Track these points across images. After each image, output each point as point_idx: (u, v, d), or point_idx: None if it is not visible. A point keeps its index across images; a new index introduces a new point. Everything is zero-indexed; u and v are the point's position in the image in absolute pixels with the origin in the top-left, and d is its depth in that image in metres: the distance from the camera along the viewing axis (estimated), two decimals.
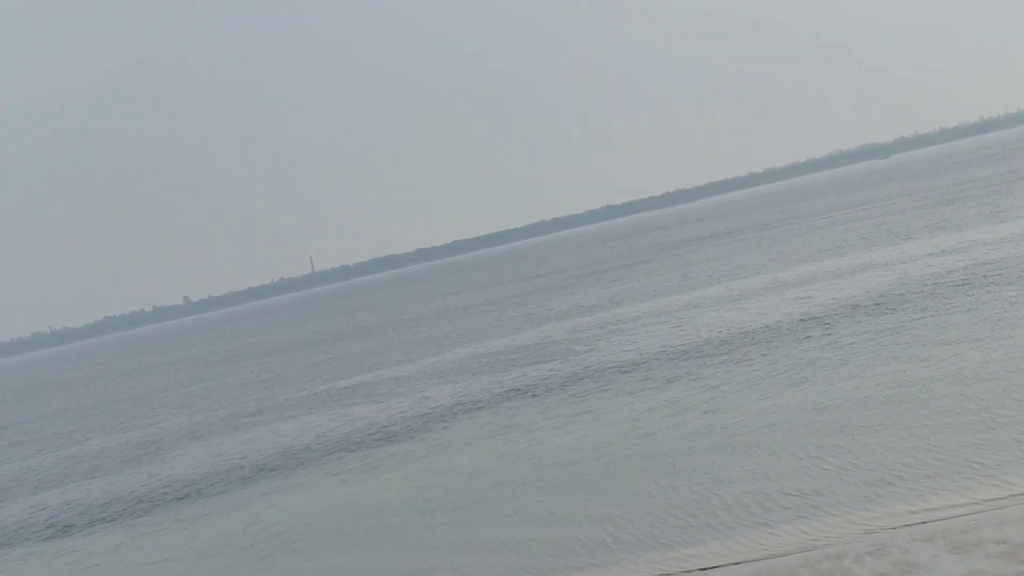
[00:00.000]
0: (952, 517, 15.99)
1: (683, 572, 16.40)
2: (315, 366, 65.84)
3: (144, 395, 72.84)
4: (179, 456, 38.62)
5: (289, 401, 48.45)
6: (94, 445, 47.77)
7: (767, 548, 16.62)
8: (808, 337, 34.17)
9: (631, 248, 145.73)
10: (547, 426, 29.60)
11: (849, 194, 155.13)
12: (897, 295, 38.74)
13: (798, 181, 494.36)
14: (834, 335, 33.45)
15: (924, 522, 16.09)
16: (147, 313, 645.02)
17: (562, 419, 30.05)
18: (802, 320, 38.05)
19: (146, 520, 28.72)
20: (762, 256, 72.90)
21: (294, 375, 62.39)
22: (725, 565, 16.27)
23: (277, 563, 21.94)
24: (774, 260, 66.98)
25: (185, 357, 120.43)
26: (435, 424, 33.70)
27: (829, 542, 16.19)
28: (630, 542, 18.46)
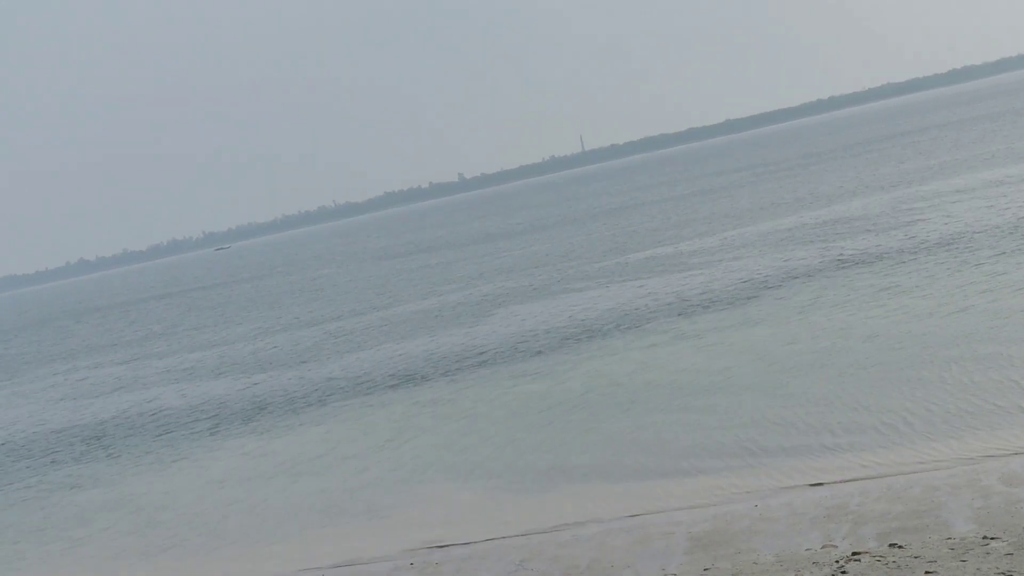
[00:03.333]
0: None
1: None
2: (612, 237, 65.94)
3: (445, 264, 75.15)
4: (487, 322, 39.29)
5: (601, 270, 48.45)
6: (400, 310, 49.57)
7: None
8: None
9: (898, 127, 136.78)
10: (854, 301, 28.27)
11: None
12: None
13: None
14: None
15: None
16: (423, 189, 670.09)
17: (869, 294, 28.64)
18: None
19: (451, 380, 29.44)
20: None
21: (592, 246, 62.33)
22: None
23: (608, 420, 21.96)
24: None
25: (470, 233, 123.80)
26: (750, 294, 32.82)
27: None
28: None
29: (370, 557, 16.32)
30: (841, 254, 36.93)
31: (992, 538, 11.61)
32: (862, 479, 15.18)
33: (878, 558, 11.59)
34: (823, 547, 12.51)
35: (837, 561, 11.76)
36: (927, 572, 10.78)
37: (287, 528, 19.48)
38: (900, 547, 11.93)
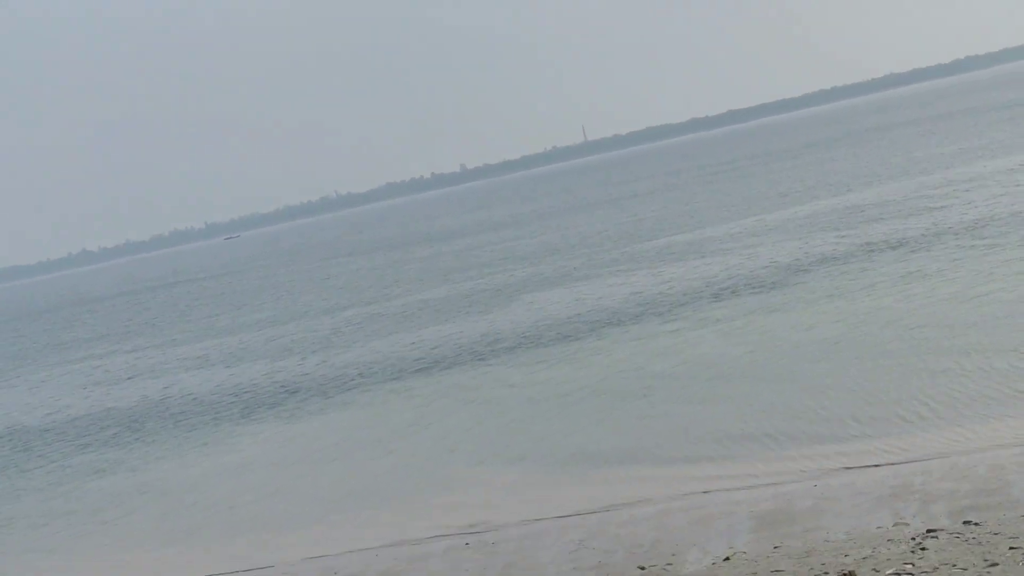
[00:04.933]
0: None
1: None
2: (636, 223, 65.74)
3: (464, 251, 74.94)
4: (509, 309, 39.04)
5: (623, 256, 48.22)
6: (420, 297, 49.34)
7: None
8: None
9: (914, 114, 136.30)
10: (881, 284, 28.19)
11: None
12: None
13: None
14: None
15: None
16: (426, 180, 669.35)
17: (891, 280, 28.47)
18: None
19: (476, 366, 29.27)
20: None
21: (613, 234, 62.10)
22: None
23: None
24: None
25: (479, 220, 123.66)
26: (779, 279, 32.60)
27: None
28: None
29: (419, 537, 16.16)
30: (864, 239, 36.72)
31: None
32: (922, 459, 15.00)
33: (955, 535, 11.41)
34: (895, 525, 12.34)
35: (913, 538, 11.58)
36: (1011, 548, 10.61)
37: (325, 511, 19.29)
38: (976, 524, 11.74)
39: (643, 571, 12.30)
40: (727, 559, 12.15)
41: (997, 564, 10.18)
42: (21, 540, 21.87)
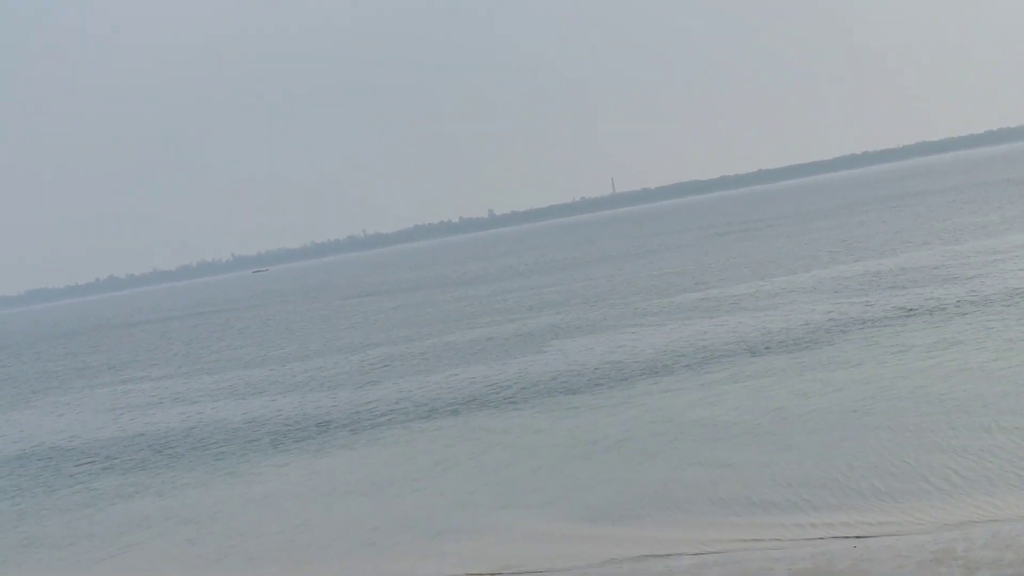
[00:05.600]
0: None
1: None
2: (660, 276, 65.75)
3: (488, 296, 75.08)
4: (544, 354, 38.97)
5: (652, 308, 48.21)
6: (451, 339, 49.49)
7: None
8: None
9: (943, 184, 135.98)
10: (915, 352, 27.96)
11: None
12: None
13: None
14: None
15: None
16: (454, 224, 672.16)
17: (921, 349, 28.18)
18: None
19: (518, 408, 29.21)
20: None
21: (649, 286, 62.18)
22: None
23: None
24: None
25: (505, 266, 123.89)
26: (811, 338, 32.47)
27: None
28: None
29: None
30: (898, 303, 36.54)
31: None
32: (961, 525, 14.83)
33: None
34: None
35: None
36: None
37: (351, 546, 19.24)
38: None
39: None
40: None
41: None
42: (44, 560, 21.94)
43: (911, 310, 34.68)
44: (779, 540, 15.61)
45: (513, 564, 16.38)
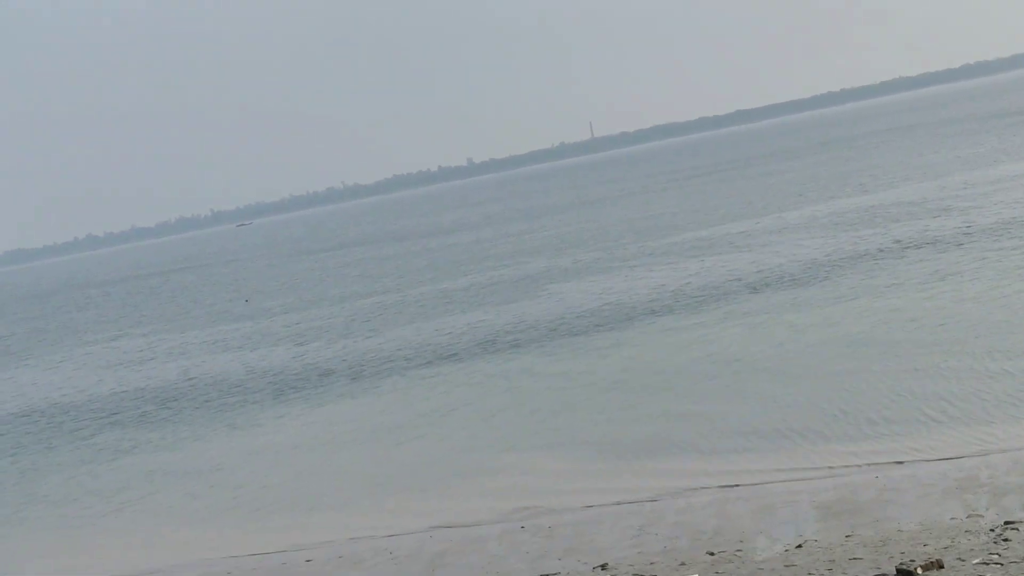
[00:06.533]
0: None
1: None
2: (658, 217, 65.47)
3: (475, 243, 74.74)
4: (539, 298, 38.78)
5: (644, 250, 47.96)
6: (453, 284, 49.13)
7: None
8: None
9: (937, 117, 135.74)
10: (909, 284, 27.88)
11: None
12: None
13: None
14: None
15: None
16: (432, 173, 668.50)
17: (918, 281, 28.13)
18: None
19: (508, 354, 29.04)
20: None
21: (645, 227, 61.86)
22: None
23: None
24: None
25: (491, 212, 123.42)
26: (805, 275, 32.31)
27: None
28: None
29: (468, 521, 15.94)
30: (893, 237, 36.46)
31: None
32: (981, 454, 14.76)
33: None
34: (968, 516, 12.12)
35: (992, 530, 11.37)
36: None
37: (359, 493, 19.10)
38: None
39: (713, 556, 12.09)
40: (799, 547, 11.93)
41: None
42: (45, 516, 21.73)
43: (906, 243, 34.61)
44: (799, 470, 15.54)
45: (532, 504, 16.19)
